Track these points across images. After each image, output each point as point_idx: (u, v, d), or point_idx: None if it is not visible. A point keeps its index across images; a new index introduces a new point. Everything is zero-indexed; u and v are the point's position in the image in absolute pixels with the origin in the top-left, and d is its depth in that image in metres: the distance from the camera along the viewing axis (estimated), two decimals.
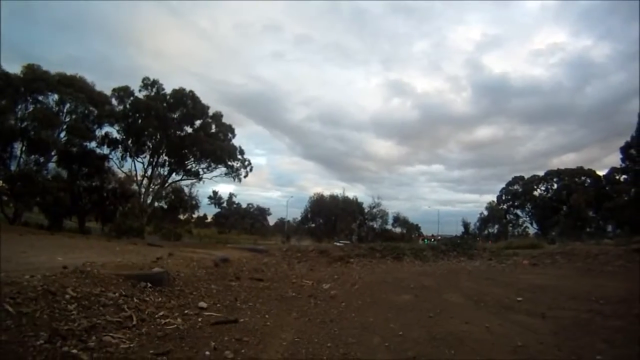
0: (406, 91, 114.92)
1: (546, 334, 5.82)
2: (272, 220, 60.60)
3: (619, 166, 38.01)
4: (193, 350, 4.70)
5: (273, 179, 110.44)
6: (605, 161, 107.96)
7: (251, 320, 6.54)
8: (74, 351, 4.03)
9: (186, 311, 6.55)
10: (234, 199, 49.23)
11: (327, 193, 49.49)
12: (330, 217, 45.81)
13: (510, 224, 51.48)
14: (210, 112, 32.57)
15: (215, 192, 44.67)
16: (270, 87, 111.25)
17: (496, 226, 51.42)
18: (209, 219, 47.83)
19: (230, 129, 33.57)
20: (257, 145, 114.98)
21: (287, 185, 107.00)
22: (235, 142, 34.20)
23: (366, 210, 47.93)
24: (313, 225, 48.87)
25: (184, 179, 33.67)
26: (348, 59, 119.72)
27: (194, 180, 33.70)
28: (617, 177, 40.11)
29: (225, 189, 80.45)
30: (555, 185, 48.37)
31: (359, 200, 49.77)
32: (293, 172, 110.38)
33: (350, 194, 60.41)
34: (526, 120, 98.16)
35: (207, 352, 4.69)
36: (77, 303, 5.26)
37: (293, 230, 48.99)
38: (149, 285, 7.36)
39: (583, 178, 46.33)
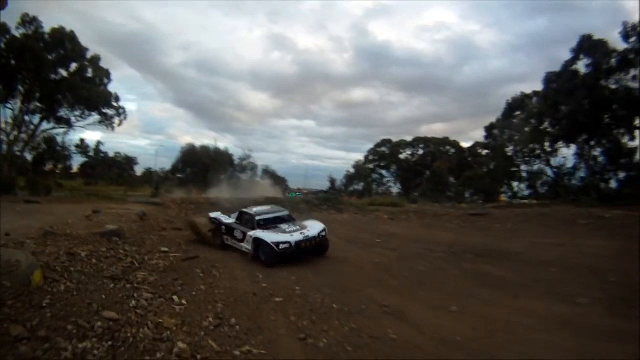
0: (288, 46, 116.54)
1: (394, 258, 10.27)
2: (139, 170, 58.37)
3: (482, 141, 44.19)
4: (190, 275, 7.85)
5: (142, 126, 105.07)
6: (472, 135, 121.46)
7: (205, 256, 10.17)
8: (136, 285, 6.43)
9: (157, 254, 9.45)
10: (101, 147, 47.80)
11: (196, 142, 50.29)
12: (202, 168, 46.53)
13: (375, 183, 55.61)
14: (88, 54, 31.17)
15: (82, 140, 43.04)
16: (149, 29, 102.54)
17: (361, 183, 54.51)
18: (75, 170, 46.16)
19: (106, 74, 32.75)
20: (129, 90, 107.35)
21: (156, 132, 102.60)
22: (110, 87, 33.47)
23: (236, 162, 49.75)
24: (181, 176, 49.02)
25: (55, 128, 32.22)
26: (234, 8, 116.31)
27: (66, 129, 32.47)
28: (479, 151, 47.25)
29: (92, 136, 75.85)
30: (421, 151, 54.04)
31: (230, 151, 51.14)
32: (163, 120, 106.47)
33: (221, 145, 62.24)
34: (402, 88, 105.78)
35: (201, 275, 8.04)
36: (93, 258, 7.36)
37: (162, 181, 48.33)
38: (117, 239, 10.01)
39: (448, 147, 52.76)
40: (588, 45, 26.05)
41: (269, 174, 51.03)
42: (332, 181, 54.91)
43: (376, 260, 10.06)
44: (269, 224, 11.66)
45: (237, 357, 4.32)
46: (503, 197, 39.53)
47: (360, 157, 62.35)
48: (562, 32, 74.02)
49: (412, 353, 4.80)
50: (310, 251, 10.82)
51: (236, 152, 55.11)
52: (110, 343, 3.90)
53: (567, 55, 27.67)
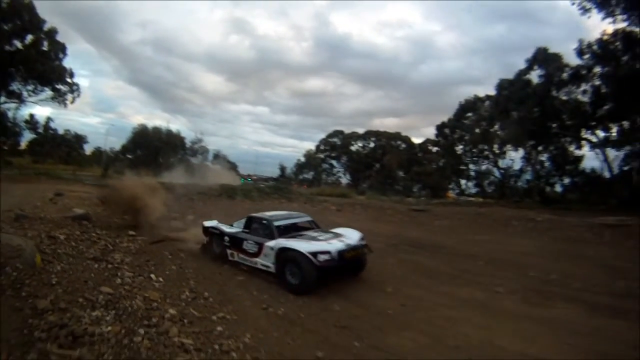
0: (247, 30, 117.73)
1: None
2: (88, 149, 56.35)
3: (433, 139, 46.09)
4: (160, 257, 8.93)
5: (94, 104, 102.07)
6: (423, 131, 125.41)
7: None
8: (116, 265, 7.29)
9: (125, 237, 10.30)
10: (50, 124, 46.36)
11: (148, 122, 49.97)
12: (152, 150, 47.05)
13: (325, 172, 57.16)
14: (45, 26, 30.40)
15: (32, 116, 41.54)
16: (107, 3, 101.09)
17: (311, 172, 56.19)
18: (22, 146, 44.62)
19: (62, 49, 32.10)
20: (82, 65, 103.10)
21: (107, 111, 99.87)
22: (65, 62, 32.80)
23: (188, 145, 50.37)
24: (131, 157, 48.72)
25: (6, 102, 31.21)
26: None
27: (17, 104, 31.72)
28: (430, 148, 49.44)
29: (41, 112, 73.14)
30: (372, 144, 55.74)
31: (181, 134, 51.53)
32: (116, 98, 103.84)
33: (173, 127, 61.90)
34: (358, 80, 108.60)
35: (169, 256, 9.13)
36: (72, 241, 8.16)
37: (111, 161, 46.98)
38: (87, 222, 10.76)
39: (399, 142, 54.69)
40: (542, 57, 27.62)
41: (220, 158, 51.48)
42: (283, 169, 56.55)
43: None
44: (292, 231, 9.46)
45: (215, 321, 5.55)
46: (451, 194, 41.90)
47: (311, 146, 64.07)
48: (520, 40, 78.23)
49: (352, 320, 6.28)
50: (350, 267, 8.63)
51: (188, 134, 55.37)
52: (114, 311, 4.83)
53: (522, 64, 29.30)
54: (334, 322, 6.16)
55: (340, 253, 7.89)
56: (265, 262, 8.59)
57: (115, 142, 68.79)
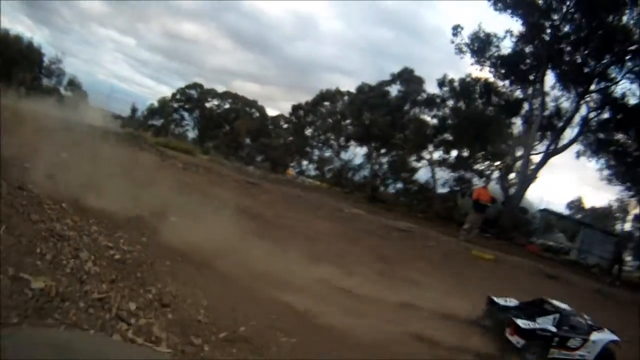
0: None
1: (184, 202, 12.80)
2: None
3: (286, 116, 47.88)
4: None
5: None
6: (280, 105, 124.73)
7: None
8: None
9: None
10: None
11: (9, 27, 44.86)
12: (8, 63, 39.76)
13: (175, 123, 56.82)
14: None
15: None
16: None
17: (161, 120, 55.77)
18: None
19: None
20: None
21: None
22: None
23: (45, 64, 45.30)
24: None
25: None
26: None
27: None
28: (281, 124, 51.29)
29: None
30: (228, 106, 56.78)
31: (42, 49, 45.59)
32: None
33: (35, 38, 56.72)
34: (232, 38, 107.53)
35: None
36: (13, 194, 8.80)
37: None
38: None
39: (253, 110, 55.97)
40: (407, 77, 31.86)
41: (75, 85, 47.25)
42: (134, 110, 54.70)
43: (173, 202, 12.30)
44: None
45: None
46: (291, 171, 45.29)
47: (168, 92, 63.28)
48: (401, 51, 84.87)
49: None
50: None
51: (48, 51, 51.50)
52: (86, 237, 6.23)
53: (390, 74, 33.58)
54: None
55: None
56: (583, 353, 9.14)
57: None
